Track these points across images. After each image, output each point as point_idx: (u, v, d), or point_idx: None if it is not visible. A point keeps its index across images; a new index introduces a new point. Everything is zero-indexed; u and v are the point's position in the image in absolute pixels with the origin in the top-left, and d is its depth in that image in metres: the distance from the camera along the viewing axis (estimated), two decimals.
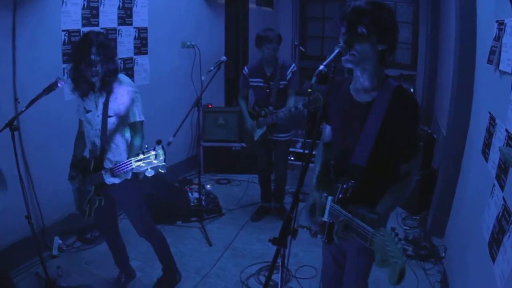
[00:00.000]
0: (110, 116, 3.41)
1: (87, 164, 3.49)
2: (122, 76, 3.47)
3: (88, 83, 3.33)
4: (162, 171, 2.96)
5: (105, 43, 3.29)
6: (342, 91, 2.50)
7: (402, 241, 1.77)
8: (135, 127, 3.51)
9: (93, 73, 3.25)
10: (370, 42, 2.19)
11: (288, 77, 5.13)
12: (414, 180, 2.44)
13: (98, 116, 3.42)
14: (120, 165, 3.12)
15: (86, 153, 3.71)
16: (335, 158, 2.60)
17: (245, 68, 5.35)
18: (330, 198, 2.37)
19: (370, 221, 2.12)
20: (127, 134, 3.53)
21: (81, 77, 3.29)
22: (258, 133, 5.32)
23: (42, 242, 4.43)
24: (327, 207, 2.37)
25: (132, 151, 3.45)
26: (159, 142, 2.93)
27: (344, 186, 2.34)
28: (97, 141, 3.48)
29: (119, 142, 3.52)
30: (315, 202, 2.53)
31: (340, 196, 2.33)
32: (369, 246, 1.96)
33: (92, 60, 3.20)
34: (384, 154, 2.33)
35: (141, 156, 2.91)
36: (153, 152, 2.88)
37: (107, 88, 3.34)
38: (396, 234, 1.81)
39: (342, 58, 2.16)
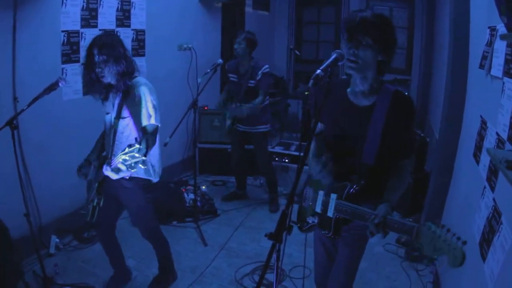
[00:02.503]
0: (123, 118, 3.40)
1: (101, 162, 3.51)
2: (140, 78, 3.47)
3: (100, 85, 3.34)
4: (143, 167, 2.96)
5: (108, 43, 3.25)
6: (338, 93, 2.58)
7: (455, 233, 1.90)
8: (145, 131, 3.40)
9: (99, 75, 3.25)
10: (374, 50, 2.33)
11: (258, 77, 5.49)
12: (409, 171, 2.59)
13: (113, 117, 3.44)
14: (114, 159, 3.09)
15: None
16: (334, 160, 2.67)
17: (226, 64, 5.76)
18: (333, 195, 2.45)
19: (390, 208, 2.30)
20: (137, 137, 3.44)
21: (90, 80, 3.30)
22: (227, 123, 5.81)
23: (39, 241, 4.45)
24: (331, 203, 2.45)
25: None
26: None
27: (355, 185, 2.45)
28: (110, 142, 3.46)
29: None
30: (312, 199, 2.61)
31: (351, 191, 2.44)
32: (415, 239, 2.04)
33: (95, 61, 3.22)
34: (388, 153, 2.47)
35: (127, 150, 2.89)
36: (137, 146, 2.87)
37: (118, 90, 3.34)
38: (443, 226, 1.94)
39: (346, 64, 2.33)
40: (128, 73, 3.34)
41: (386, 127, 2.41)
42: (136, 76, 3.46)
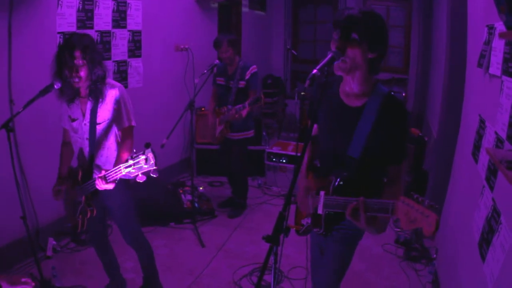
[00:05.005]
0: (98, 124, 3.29)
1: (75, 175, 3.35)
2: (110, 81, 3.35)
3: (73, 89, 3.21)
4: (154, 176, 2.81)
5: (91, 46, 3.13)
6: (331, 93, 2.55)
7: (426, 200, 1.88)
8: (125, 133, 3.37)
9: (74, 79, 3.10)
10: (362, 49, 2.26)
11: (247, 77, 5.39)
12: (403, 184, 2.51)
13: (85, 124, 3.30)
14: (110, 172, 2.98)
15: (73, 161, 3.57)
16: (321, 158, 2.67)
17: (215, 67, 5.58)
18: (322, 192, 2.43)
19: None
20: (117, 140, 3.40)
21: (66, 83, 3.15)
22: (218, 130, 5.58)
23: (37, 243, 4.43)
24: (321, 201, 2.42)
25: (119, 157, 3.28)
26: (147, 145, 2.77)
27: (338, 178, 2.40)
28: (85, 150, 3.36)
29: (109, 149, 3.40)
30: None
31: (336, 184, 2.40)
32: (392, 215, 2.03)
33: (75, 65, 3.07)
34: (374, 154, 2.40)
35: (130, 162, 2.78)
36: (142, 157, 2.74)
37: (97, 95, 3.21)
38: (417, 198, 1.91)
39: (334, 65, 2.24)
40: (104, 78, 3.24)
41: (374, 130, 2.35)
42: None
